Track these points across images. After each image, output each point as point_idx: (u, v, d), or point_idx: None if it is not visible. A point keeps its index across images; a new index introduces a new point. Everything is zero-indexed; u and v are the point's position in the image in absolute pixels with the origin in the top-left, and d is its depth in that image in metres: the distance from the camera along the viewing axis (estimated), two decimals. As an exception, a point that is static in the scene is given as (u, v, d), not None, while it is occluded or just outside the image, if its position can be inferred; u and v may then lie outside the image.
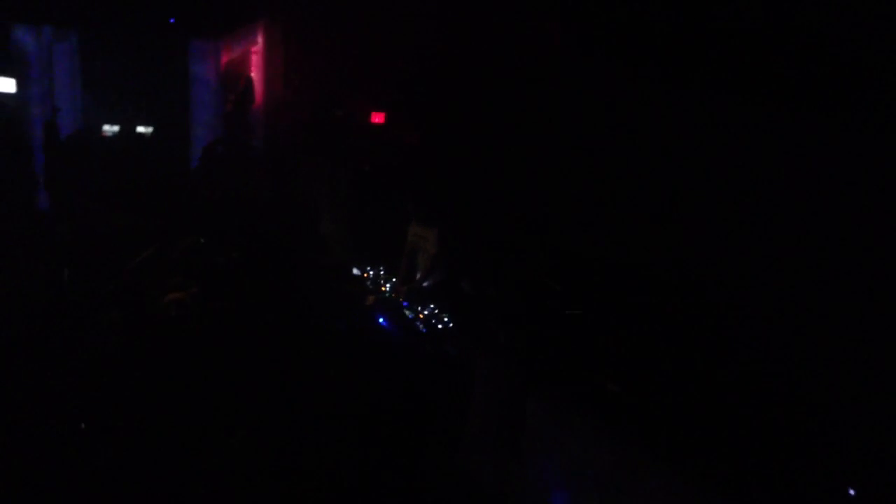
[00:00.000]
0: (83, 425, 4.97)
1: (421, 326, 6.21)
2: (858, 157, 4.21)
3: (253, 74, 11.30)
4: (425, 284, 6.61)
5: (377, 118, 10.11)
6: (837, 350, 4.16)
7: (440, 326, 6.11)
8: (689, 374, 4.45)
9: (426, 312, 6.30)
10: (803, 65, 4.47)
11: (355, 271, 7.40)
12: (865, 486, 3.68)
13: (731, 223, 5.01)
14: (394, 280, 7.10)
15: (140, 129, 10.67)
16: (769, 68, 4.70)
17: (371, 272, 7.36)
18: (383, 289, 7.02)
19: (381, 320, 6.46)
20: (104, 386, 5.26)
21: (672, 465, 3.71)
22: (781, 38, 4.64)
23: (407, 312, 6.45)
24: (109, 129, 10.51)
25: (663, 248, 5.38)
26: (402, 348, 6.32)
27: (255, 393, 5.37)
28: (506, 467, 4.77)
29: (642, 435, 4.04)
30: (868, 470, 3.70)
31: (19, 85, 10.05)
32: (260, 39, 11.16)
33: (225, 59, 11.12)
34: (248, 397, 5.30)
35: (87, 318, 5.88)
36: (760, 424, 3.99)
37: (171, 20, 10.75)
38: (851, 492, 3.76)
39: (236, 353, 5.61)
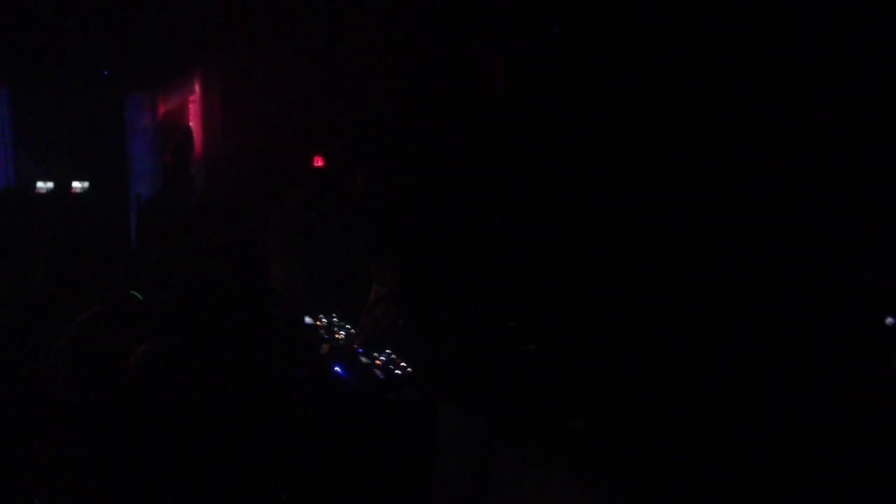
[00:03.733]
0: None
1: (378, 373, 6.11)
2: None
3: (191, 124, 11.15)
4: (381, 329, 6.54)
5: (320, 162, 10.06)
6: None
7: (398, 372, 6.02)
8: (662, 408, 4.44)
9: (383, 359, 6.21)
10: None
11: (308, 320, 7.26)
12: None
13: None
14: (348, 327, 7.01)
15: (76, 184, 10.38)
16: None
17: (324, 320, 7.24)
18: (338, 336, 6.91)
19: (336, 369, 6.35)
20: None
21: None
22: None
23: (363, 359, 6.35)
24: (43, 185, 10.19)
25: (619, 278, 5.40)
26: (361, 396, 6.21)
27: (213, 447, 5.22)
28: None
29: (614, 475, 4.01)
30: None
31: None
32: (197, 88, 11.04)
33: (162, 109, 10.96)
34: (205, 452, 5.15)
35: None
36: (739, 461, 3.98)
37: (105, 72, 10.55)
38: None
39: (191, 405, 5.47)
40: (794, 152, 4.45)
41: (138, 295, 6.59)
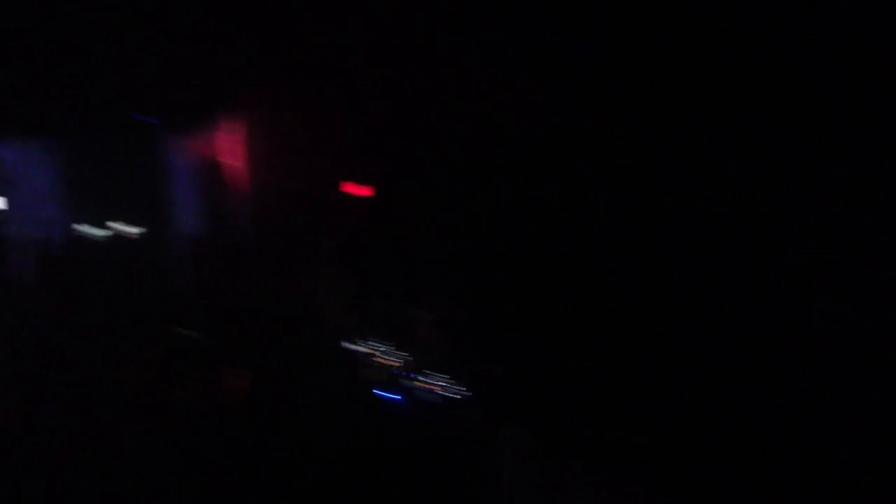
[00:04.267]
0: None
1: (434, 398, 6.17)
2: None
3: (235, 164, 11.27)
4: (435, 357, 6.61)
5: (357, 190, 10.14)
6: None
7: (454, 396, 6.08)
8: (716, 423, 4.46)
9: (439, 383, 6.27)
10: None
11: (354, 347, 7.35)
12: None
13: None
14: (401, 353, 7.07)
15: (125, 228, 10.60)
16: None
17: (371, 346, 7.31)
18: (388, 363, 6.98)
19: (386, 394, 6.42)
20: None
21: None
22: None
23: (417, 384, 6.41)
24: (100, 231, 10.43)
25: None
26: (415, 421, 6.26)
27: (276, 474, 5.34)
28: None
29: (677, 485, 4.04)
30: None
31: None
32: (238, 129, 11.16)
33: (207, 150, 11.11)
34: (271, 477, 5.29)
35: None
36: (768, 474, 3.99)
37: (152, 119, 10.78)
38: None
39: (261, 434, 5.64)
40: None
41: (195, 334, 6.77)
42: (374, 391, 6.51)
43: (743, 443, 4.37)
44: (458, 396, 6.07)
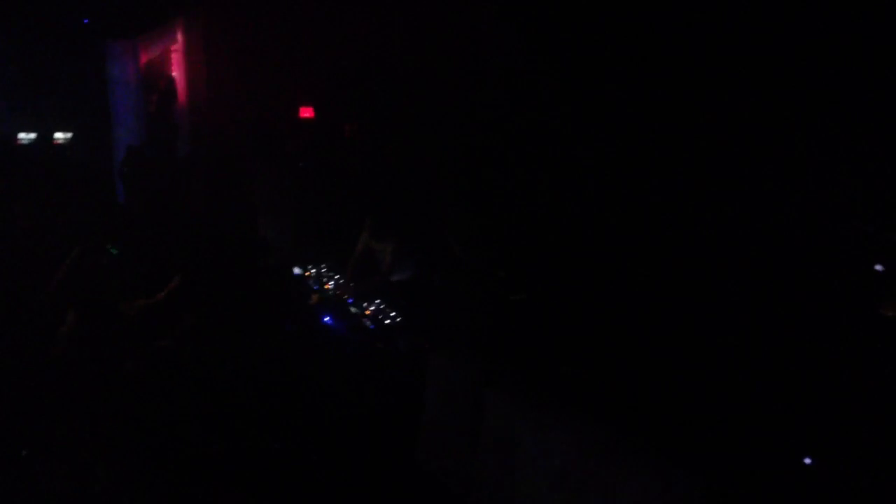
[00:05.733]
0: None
1: (369, 323, 6.09)
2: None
3: (175, 74, 10.90)
4: (394, 278, 6.51)
5: (307, 113, 9.88)
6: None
7: (388, 322, 6.01)
8: (652, 358, 4.45)
9: (373, 309, 6.18)
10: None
11: (297, 270, 7.22)
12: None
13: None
14: (337, 278, 6.96)
15: (58, 135, 10.16)
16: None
17: (313, 271, 7.19)
18: (327, 287, 6.87)
19: (326, 319, 6.33)
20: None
21: (640, 455, 3.68)
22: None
23: (353, 310, 6.32)
24: (25, 136, 9.96)
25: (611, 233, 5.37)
26: (351, 346, 6.20)
27: (214, 398, 5.25)
28: (466, 462, 4.69)
29: (606, 423, 4.01)
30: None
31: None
32: (180, 37, 10.76)
33: (144, 59, 10.68)
34: (209, 402, 5.19)
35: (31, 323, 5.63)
36: (729, 412, 4.00)
37: (86, 21, 10.26)
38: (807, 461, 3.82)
39: (196, 357, 5.51)
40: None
41: (113, 250, 6.53)
42: (319, 316, 6.40)
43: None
44: (396, 324, 6.00)
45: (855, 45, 4.19)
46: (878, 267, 4.06)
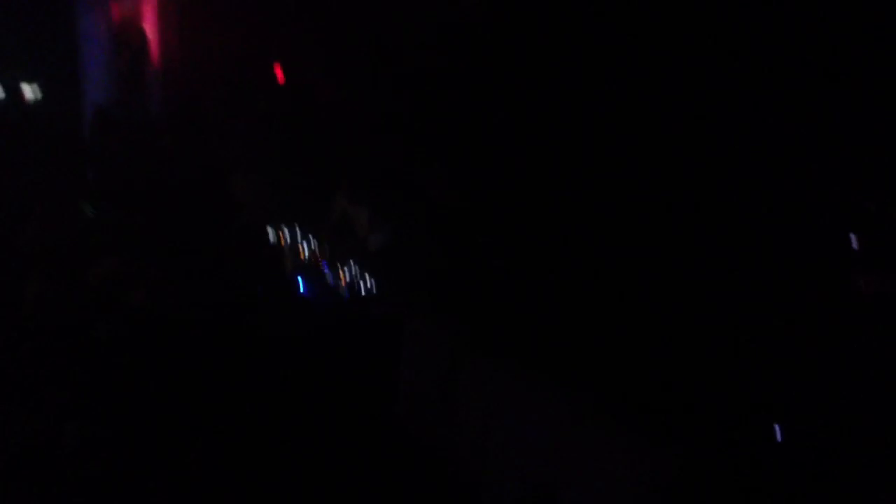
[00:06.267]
0: None
1: (343, 289, 5.98)
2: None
3: (148, 29, 10.58)
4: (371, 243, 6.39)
5: (287, 73, 9.66)
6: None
7: (364, 289, 5.89)
8: (635, 326, 4.37)
9: (349, 274, 6.07)
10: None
11: (271, 233, 7.05)
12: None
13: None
14: (312, 241, 6.82)
15: (26, 91, 9.85)
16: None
17: (288, 233, 7.03)
18: (301, 251, 6.72)
19: (299, 285, 6.21)
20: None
21: (620, 422, 3.62)
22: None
23: (328, 275, 6.20)
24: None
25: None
26: (324, 311, 6.10)
27: (185, 366, 5.16)
28: (442, 424, 4.63)
29: (582, 389, 3.93)
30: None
31: None
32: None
33: (117, 13, 10.35)
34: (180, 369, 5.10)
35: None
36: (715, 388, 3.95)
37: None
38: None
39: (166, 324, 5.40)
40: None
41: (90, 207, 6.35)
42: (292, 278, 6.29)
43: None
44: (368, 290, 5.89)
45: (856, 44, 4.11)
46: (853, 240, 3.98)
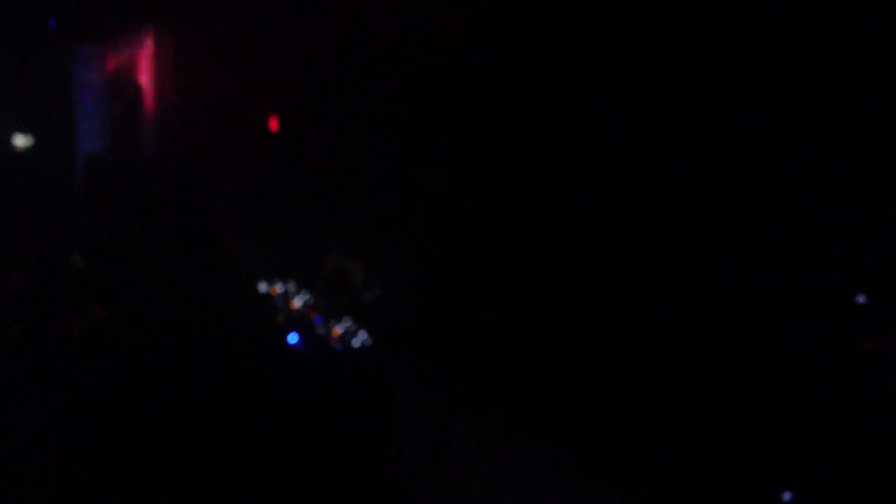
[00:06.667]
0: None
1: (336, 345, 5.93)
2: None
3: (142, 80, 10.66)
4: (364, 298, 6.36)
5: (276, 124, 9.72)
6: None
7: (357, 344, 5.85)
8: (622, 387, 4.35)
9: (341, 330, 6.02)
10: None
11: (262, 287, 7.01)
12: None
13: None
14: (305, 296, 6.78)
15: (19, 140, 9.86)
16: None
17: (280, 288, 6.99)
18: (293, 306, 6.67)
19: (291, 339, 6.16)
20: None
21: (611, 485, 3.58)
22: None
23: (320, 330, 6.15)
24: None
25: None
26: (317, 367, 6.04)
27: (167, 418, 5.09)
28: (435, 483, 4.56)
29: (578, 452, 3.91)
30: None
31: None
32: (149, 43, 10.54)
33: (111, 64, 10.44)
34: (162, 422, 5.03)
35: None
36: (706, 445, 3.92)
37: (52, 23, 10.00)
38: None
39: (147, 375, 5.34)
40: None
41: (79, 259, 6.33)
42: (281, 334, 6.23)
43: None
44: (363, 343, 5.84)
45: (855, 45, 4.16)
46: (860, 298, 4.02)
